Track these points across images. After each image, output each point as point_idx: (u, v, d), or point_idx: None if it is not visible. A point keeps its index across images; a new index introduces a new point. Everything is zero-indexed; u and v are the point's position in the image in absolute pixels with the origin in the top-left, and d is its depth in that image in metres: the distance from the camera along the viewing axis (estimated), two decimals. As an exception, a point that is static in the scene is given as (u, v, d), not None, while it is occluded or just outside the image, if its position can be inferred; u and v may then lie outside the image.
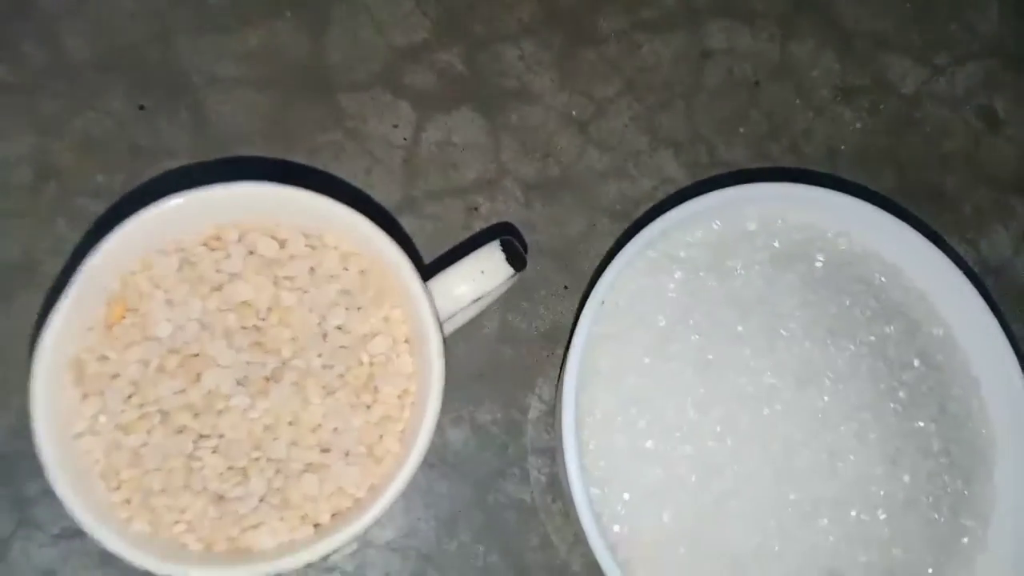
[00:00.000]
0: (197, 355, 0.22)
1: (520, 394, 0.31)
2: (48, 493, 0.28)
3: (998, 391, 0.27)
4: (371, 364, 0.22)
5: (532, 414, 0.31)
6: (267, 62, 0.33)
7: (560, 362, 0.31)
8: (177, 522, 0.20)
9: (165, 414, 0.21)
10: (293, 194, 0.22)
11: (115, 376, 0.21)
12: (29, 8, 0.32)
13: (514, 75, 0.35)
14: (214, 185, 0.22)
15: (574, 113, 0.35)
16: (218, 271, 0.22)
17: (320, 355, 0.22)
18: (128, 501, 0.20)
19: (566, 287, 0.32)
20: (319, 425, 0.21)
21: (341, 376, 0.22)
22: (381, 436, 0.22)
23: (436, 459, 0.31)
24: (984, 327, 0.27)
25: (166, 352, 0.21)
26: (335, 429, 0.22)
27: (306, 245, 0.23)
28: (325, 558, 0.21)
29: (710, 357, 0.25)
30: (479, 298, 0.24)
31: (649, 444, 0.24)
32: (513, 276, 0.24)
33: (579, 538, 0.30)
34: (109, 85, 0.32)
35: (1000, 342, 0.27)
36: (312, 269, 0.23)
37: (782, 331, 0.25)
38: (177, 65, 0.33)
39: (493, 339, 0.32)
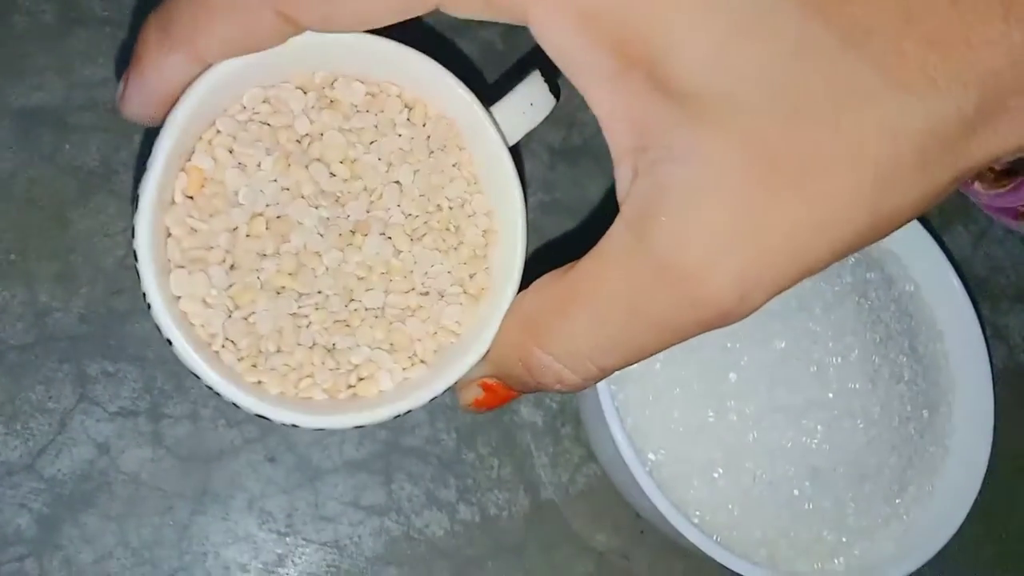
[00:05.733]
0: (280, 217, 0.22)
1: (538, 329, 0.35)
2: (108, 374, 0.31)
3: (959, 345, 0.31)
4: (450, 208, 0.23)
5: (548, 347, 0.35)
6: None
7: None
8: (300, 378, 0.21)
9: (264, 280, 0.22)
10: (352, 40, 0.21)
11: (210, 248, 0.21)
12: (126, -48, 0.36)
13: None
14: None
15: (598, 94, 0.39)
16: (286, 129, 0.22)
17: (399, 205, 0.22)
18: (254, 366, 0.21)
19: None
20: (410, 272, 0.22)
21: (425, 223, 0.22)
22: (472, 275, 0.23)
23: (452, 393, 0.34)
24: (948, 288, 0.31)
25: (250, 217, 0.22)
26: (426, 273, 0.22)
27: (367, 94, 0.23)
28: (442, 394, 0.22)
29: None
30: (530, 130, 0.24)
31: (661, 354, 0.28)
32: (555, 105, 0.24)
33: (583, 459, 0.33)
34: (190, 27, 0.36)
35: (963, 303, 0.31)
36: (377, 121, 0.23)
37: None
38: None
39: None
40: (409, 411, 0.21)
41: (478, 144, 0.23)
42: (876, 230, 0.18)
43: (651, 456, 0.27)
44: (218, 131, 0.22)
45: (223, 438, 0.31)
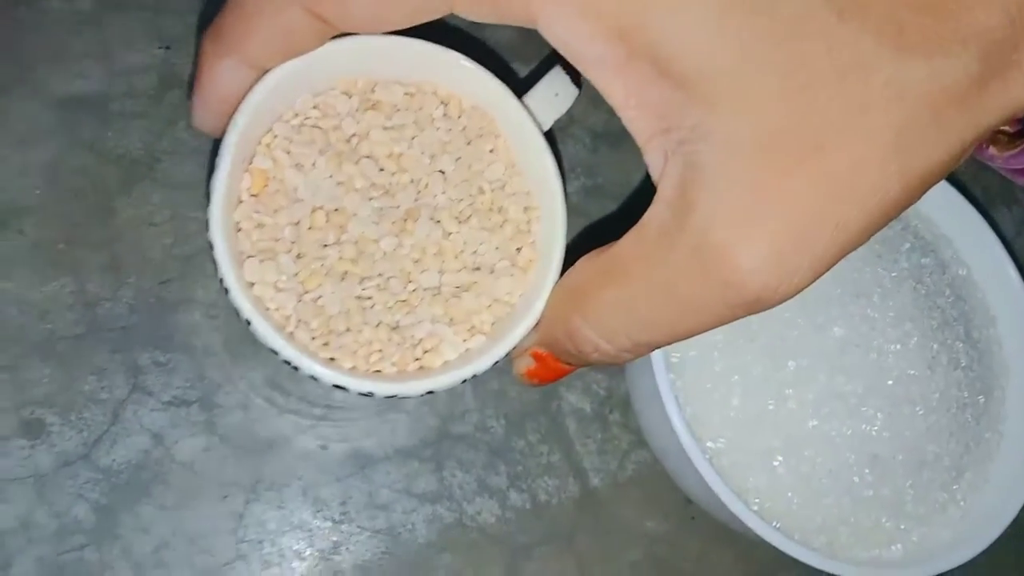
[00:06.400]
0: (337, 209, 0.24)
1: (584, 315, 0.35)
2: (159, 364, 0.31)
3: (1012, 330, 0.31)
4: (492, 190, 0.25)
5: (594, 333, 0.34)
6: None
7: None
8: (370, 353, 0.23)
9: (328, 266, 0.23)
10: (389, 43, 0.23)
11: (276, 240, 0.23)
12: (163, -64, 0.35)
13: (588, 38, 0.38)
14: (306, 56, 0.22)
15: (639, 76, 0.38)
16: (335, 130, 0.24)
17: (444, 192, 0.24)
18: (327, 344, 0.23)
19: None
20: (461, 251, 0.24)
21: (470, 205, 0.24)
22: (518, 249, 0.24)
23: (509, 367, 0.34)
24: (1000, 271, 0.31)
25: (311, 211, 0.23)
26: (476, 251, 0.24)
27: (405, 94, 0.25)
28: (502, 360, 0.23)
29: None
30: (557, 118, 0.26)
31: (719, 338, 0.28)
32: (578, 94, 0.26)
33: (632, 445, 0.33)
34: (228, 11, 0.35)
35: (1017, 287, 0.31)
36: (416, 118, 0.25)
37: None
38: None
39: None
40: (474, 375, 0.23)
41: (512, 130, 0.25)
42: (909, 193, 0.18)
43: (710, 444, 0.27)
44: (275, 135, 0.24)
45: (275, 427, 0.31)
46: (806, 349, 0.27)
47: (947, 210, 0.32)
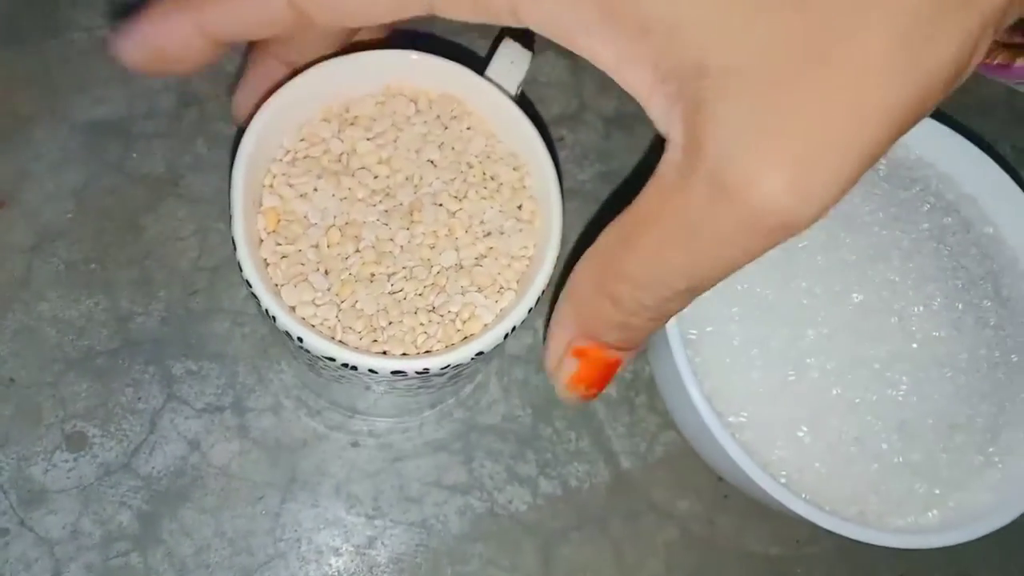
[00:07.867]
0: (348, 223, 0.26)
1: (605, 301, 0.35)
2: (192, 373, 0.32)
3: (1045, 286, 0.30)
4: (480, 163, 0.26)
5: (617, 318, 0.34)
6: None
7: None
8: (415, 337, 0.24)
9: (356, 273, 0.25)
10: (347, 63, 0.25)
11: (302, 264, 0.25)
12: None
13: (594, 25, 0.39)
14: (282, 90, 0.25)
15: (648, 59, 0.38)
16: (325, 154, 0.26)
17: (437, 177, 0.26)
18: (375, 340, 0.24)
19: (644, 209, 0.36)
20: (468, 226, 0.26)
21: (464, 182, 0.26)
22: (519, 205, 0.26)
23: (532, 356, 0.34)
24: (1030, 227, 0.30)
25: (325, 231, 0.25)
26: (482, 221, 0.26)
27: (376, 104, 0.27)
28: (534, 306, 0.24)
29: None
30: (519, 87, 0.28)
31: (736, 311, 0.27)
32: (532, 57, 0.28)
33: (660, 427, 0.33)
34: (240, 28, 0.36)
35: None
36: (393, 121, 0.27)
37: (852, 217, 0.28)
38: (298, 12, 0.37)
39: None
40: (514, 328, 0.24)
41: (481, 103, 0.27)
42: (922, 94, 0.17)
43: (732, 419, 0.27)
44: (274, 175, 0.26)
45: (306, 427, 0.32)
46: (825, 317, 0.27)
47: (970, 169, 0.31)
